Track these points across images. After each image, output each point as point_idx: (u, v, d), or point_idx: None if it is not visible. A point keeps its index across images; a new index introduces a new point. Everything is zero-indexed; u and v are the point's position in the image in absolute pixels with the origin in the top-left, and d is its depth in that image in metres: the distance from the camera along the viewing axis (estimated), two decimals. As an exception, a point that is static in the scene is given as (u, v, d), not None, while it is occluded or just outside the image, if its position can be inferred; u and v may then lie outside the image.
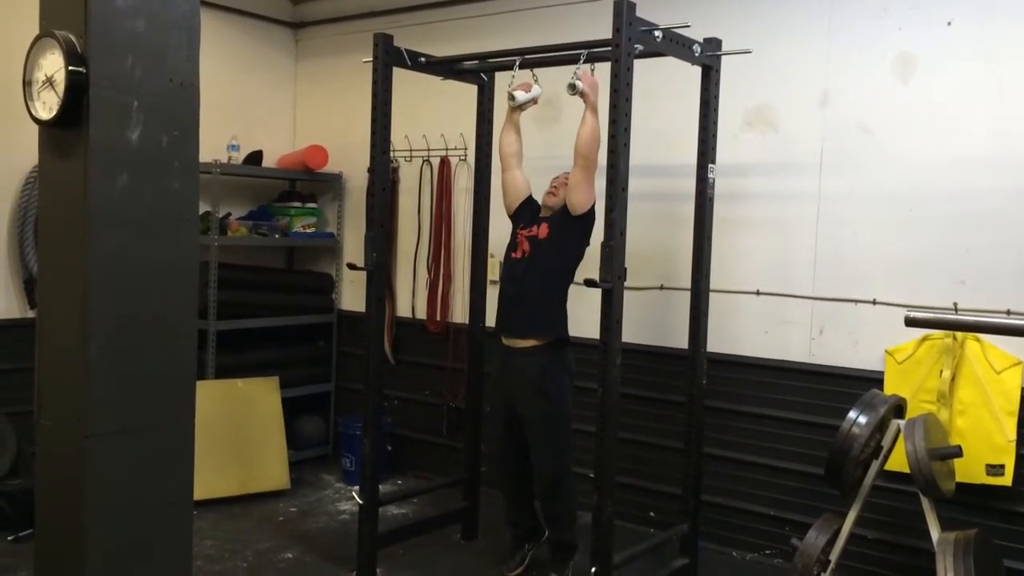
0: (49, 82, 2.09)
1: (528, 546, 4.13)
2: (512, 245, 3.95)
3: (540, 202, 3.98)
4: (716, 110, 3.82)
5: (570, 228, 3.80)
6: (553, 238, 3.82)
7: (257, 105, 5.93)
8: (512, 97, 3.89)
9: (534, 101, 3.95)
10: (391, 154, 4.17)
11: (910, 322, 2.62)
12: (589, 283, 3.23)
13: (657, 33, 3.34)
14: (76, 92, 2.04)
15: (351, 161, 5.74)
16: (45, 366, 2.21)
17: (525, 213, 3.98)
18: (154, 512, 2.24)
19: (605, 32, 3.27)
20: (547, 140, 4.77)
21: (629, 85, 3.21)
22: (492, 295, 4.43)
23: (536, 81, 3.92)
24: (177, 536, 2.31)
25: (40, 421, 2.21)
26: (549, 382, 3.79)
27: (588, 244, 3.82)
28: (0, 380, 4.64)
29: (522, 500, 4.11)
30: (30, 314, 4.72)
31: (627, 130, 3.23)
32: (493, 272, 4.70)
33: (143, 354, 2.19)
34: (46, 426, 2.20)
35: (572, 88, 3.59)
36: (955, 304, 3.74)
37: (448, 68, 4.26)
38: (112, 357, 2.13)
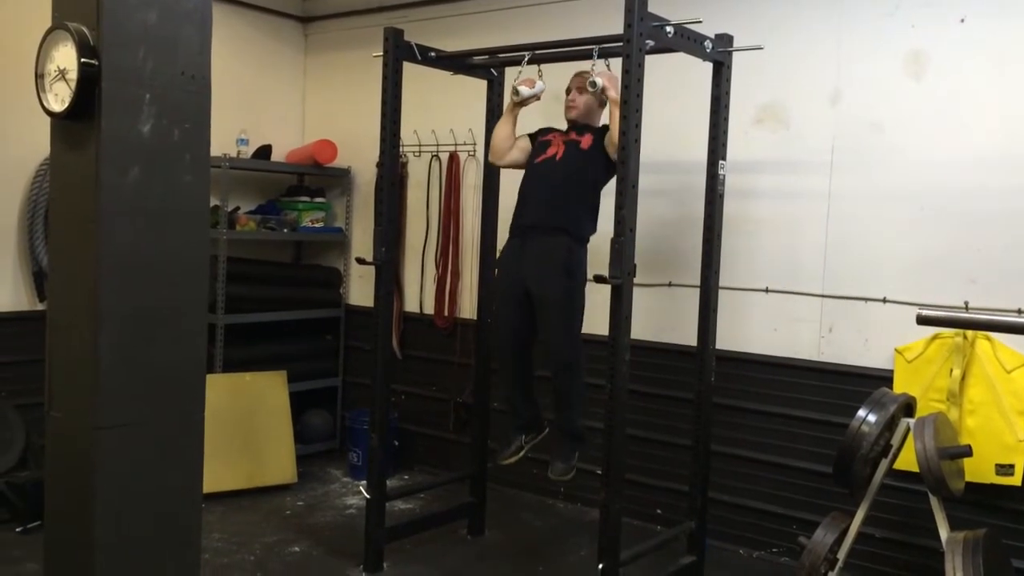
0: (61, 74, 2.09)
1: (525, 438, 4.03)
2: (541, 149, 3.91)
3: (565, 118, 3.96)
4: (727, 106, 3.81)
5: (606, 159, 3.75)
6: (593, 153, 3.78)
7: (266, 99, 5.93)
8: (516, 91, 3.90)
9: (537, 97, 3.96)
10: (400, 149, 4.17)
11: (922, 320, 2.61)
12: (598, 279, 3.22)
13: (668, 29, 3.33)
14: (88, 85, 2.04)
15: (360, 156, 5.73)
16: (55, 358, 2.21)
17: (546, 134, 3.97)
18: (163, 504, 2.24)
19: (616, 28, 3.26)
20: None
21: (640, 81, 3.20)
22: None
23: (540, 77, 3.93)
24: (185, 528, 2.32)
25: (50, 413, 2.22)
26: (575, 261, 3.75)
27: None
28: (10, 372, 4.66)
29: (524, 388, 4.01)
30: (40, 306, 4.73)
31: (638, 126, 3.22)
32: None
33: (153, 347, 2.19)
34: (56, 418, 2.21)
35: (593, 85, 3.64)
36: (966, 303, 3.72)
37: (458, 63, 4.25)
38: (122, 350, 2.13)
